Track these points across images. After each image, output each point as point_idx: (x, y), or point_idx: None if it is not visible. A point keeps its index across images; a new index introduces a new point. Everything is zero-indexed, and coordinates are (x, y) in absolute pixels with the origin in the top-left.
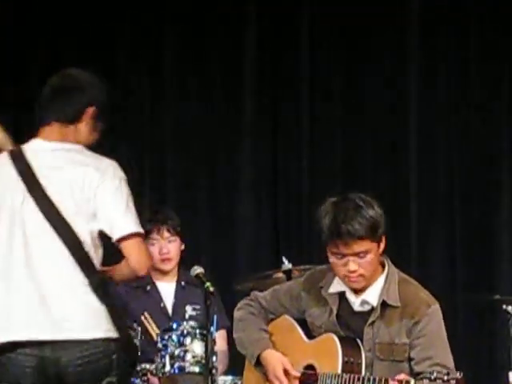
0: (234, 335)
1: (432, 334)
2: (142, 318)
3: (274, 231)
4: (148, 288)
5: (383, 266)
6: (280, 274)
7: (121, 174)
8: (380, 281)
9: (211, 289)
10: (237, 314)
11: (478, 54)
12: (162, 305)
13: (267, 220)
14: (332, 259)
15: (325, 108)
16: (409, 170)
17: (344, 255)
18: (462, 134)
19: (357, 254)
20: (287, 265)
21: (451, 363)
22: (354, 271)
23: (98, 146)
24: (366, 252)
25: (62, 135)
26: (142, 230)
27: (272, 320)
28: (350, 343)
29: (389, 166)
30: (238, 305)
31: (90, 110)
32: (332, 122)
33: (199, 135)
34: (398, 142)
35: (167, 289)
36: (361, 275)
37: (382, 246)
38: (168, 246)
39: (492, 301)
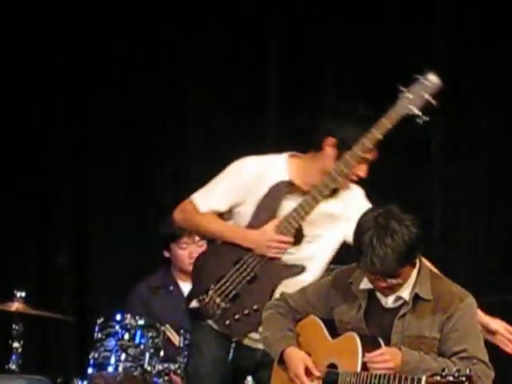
0: (262, 335)
1: (465, 328)
2: (163, 328)
3: None
4: (171, 288)
5: (414, 263)
6: None
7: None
8: (412, 276)
9: None
10: (265, 314)
11: None
12: (184, 305)
13: None
14: (366, 274)
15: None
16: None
17: (377, 276)
18: None
19: (391, 277)
20: None
21: (485, 356)
22: (388, 287)
23: None
24: (400, 274)
25: None
26: None
27: (300, 320)
28: (371, 341)
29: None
30: (267, 304)
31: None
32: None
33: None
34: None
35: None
36: (392, 289)
37: (418, 259)
38: (198, 250)
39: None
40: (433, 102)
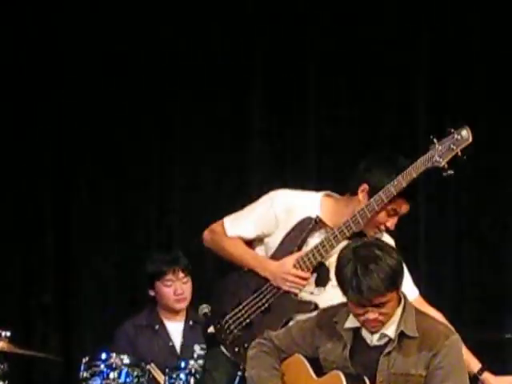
0: (246, 374)
1: (451, 366)
2: (149, 367)
3: None
4: (156, 327)
5: (399, 299)
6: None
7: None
8: (397, 313)
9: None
10: (250, 352)
11: None
12: (170, 344)
13: None
14: (351, 307)
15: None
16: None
17: (364, 305)
18: None
19: (377, 305)
20: None
21: None
22: (373, 319)
23: None
24: (387, 302)
25: None
26: None
27: (285, 359)
28: (356, 380)
29: None
30: (252, 344)
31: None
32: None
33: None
34: None
35: (176, 328)
36: (380, 321)
37: (401, 288)
38: (183, 286)
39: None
40: (461, 156)
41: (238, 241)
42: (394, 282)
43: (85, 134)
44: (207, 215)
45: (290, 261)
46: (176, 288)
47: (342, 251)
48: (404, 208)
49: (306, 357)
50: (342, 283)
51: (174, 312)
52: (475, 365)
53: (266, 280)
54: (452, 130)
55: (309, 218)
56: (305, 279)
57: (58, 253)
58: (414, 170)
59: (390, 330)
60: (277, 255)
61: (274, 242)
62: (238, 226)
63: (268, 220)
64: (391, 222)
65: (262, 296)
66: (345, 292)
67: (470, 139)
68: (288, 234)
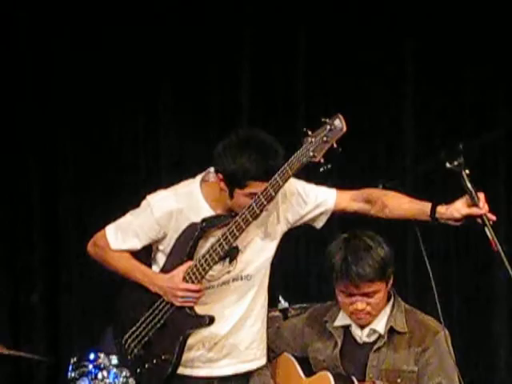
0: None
1: (440, 362)
2: None
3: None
4: None
5: (389, 296)
6: (277, 313)
7: None
8: (387, 309)
9: None
10: None
11: None
12: None
13: None
14: (340, 297)
15: None
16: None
17: (353, 295)
18: None
19: (366, 294)
20: (284, 304)
21: None
22: (362, 310)
23: None
24: (375, 292)
25: None
26: None
27: (274, 358)
28: (345, 381)
29: None
30: None
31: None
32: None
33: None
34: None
35: None
36: (368, 313)
37: (391, 282)
38: None
39: None
40: (336, 148)
41: (124, 255)
42: (384, 272)
43: (70, 124)
44: None
45: (179, 274)
46: None
47: (332, 242)
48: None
49: (295, 356)
50: (331, 271)
51: None
52: (426, 207)
53: (159, 295)
54: (325, 121)
55: (194, 226)
56: (197, 291)
57: (44, 252)
58: (290, 169)
59: (380, 326)
60: (167, 267)
61: (169, 247)
62: (121, 239)
63: (151, 229)
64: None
65: (157, 312)
66: (335, 280)
67: (344, 129)
68: (175, 244)
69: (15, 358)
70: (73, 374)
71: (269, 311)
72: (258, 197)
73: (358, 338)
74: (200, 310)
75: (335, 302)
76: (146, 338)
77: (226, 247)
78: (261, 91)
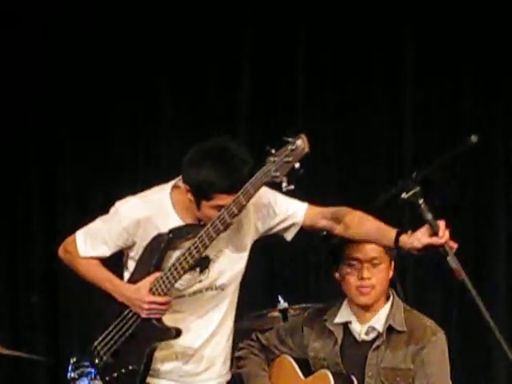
0: (234, 373)
1: (435, 363)
2: None
3: (269, 269)
4: None
5: (388, 296)
6: (276, 313)
7: None
8: (386, 307)
9: None
10: (237, 353)
11: None
12: None
13: (262, 258)
14: (346, 271)
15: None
16: None
17: (359, 261)
18: None
19: (371, 261)
20: (283, 304)
21: None
22: (368, 278)
23: None
24: (380, 261)
25: None
26: None
27: (273, 360)
28: (344, 379)
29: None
30: (240, 344)
31: None
32: (326, 162)
33: None
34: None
35: None
36: (373, 287)
37: (392, 271)
38: None
39: None
40: (298, 168)
41: (92, 262)
42: (390, 248)
43: (71, 120)
44: None
45: (145, 285)
46: None
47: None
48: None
49: (293, 357)
50: (337, 249)
51: None
52: (391, 233)
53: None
54: (288, 140)
55: (161, 236)
56: (163, 304)
57: (44, 253)
58: (252, 188)
59: (379, 324)
60: (135, 276)
61: (137, 254)
62: (90, 245)
63: (119, 237)
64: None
65: (125, 321)
66: (340, 254)
67: (306, 149)
68: (143, 253)
69: (15, 358)
70: (72, 375)
71: (269, 311)
72: (227, 208)
73: (357, 336)
74: (173, 319)
75: (334, 302)
76: (115, 347)
77: (197, 257)
78: (261, 91)
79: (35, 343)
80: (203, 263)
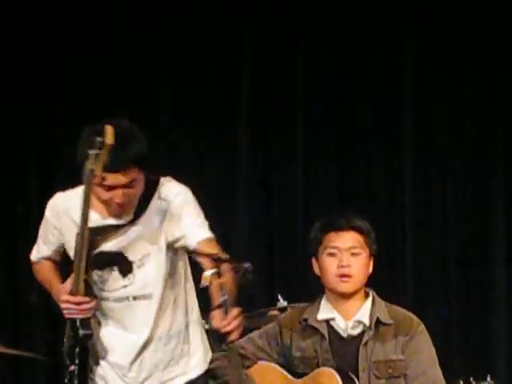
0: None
1: (425, 351)
2: None
3: (269, 268)
4: None
5: (367, 294)
6: (275, 312)
7: None
8: (367, 303)
9: None
10: (211, 365)
11: None
12: None
13: (262, 257)
14: (325, 259)
15: (318, 146)
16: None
17: (339, 249)
18: None
19: (350, 249)
20: (283, 302)
21: (442, 380)
22: (347, 265)
23: None
24: (359, 251)
25: None
26: None
27: (248, 367)
28: (348, 378)
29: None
30: (213, 356)
31: None
32: (326, 161)
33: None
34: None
35: None
36: (352, 275)
37: (371, 263)
38: None
39: None
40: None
41: (42, 264)
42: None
43: (71, 120)
44: None
45: (66, 285)
46: None
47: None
48: (112, 181)
49: (277, 363)
50: (317, 233)
51: None
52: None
53: None
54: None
55: (78, 234)
56: (78, 304)
57: None
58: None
59: (365, 318)
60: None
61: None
62: (36, 249)
63: (48, 232)
64: (117, 196)
65: (70, 322)
66: (319, 240)
67: (108, 141)
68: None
69: (15, 358)
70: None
71: (268, 310)
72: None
73: (341, 332)
74: (106, 328)
75: (308, 303)
76: (68, 348)
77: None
78: (261, 91)
79: (35, 343)
80: (125, 267)
